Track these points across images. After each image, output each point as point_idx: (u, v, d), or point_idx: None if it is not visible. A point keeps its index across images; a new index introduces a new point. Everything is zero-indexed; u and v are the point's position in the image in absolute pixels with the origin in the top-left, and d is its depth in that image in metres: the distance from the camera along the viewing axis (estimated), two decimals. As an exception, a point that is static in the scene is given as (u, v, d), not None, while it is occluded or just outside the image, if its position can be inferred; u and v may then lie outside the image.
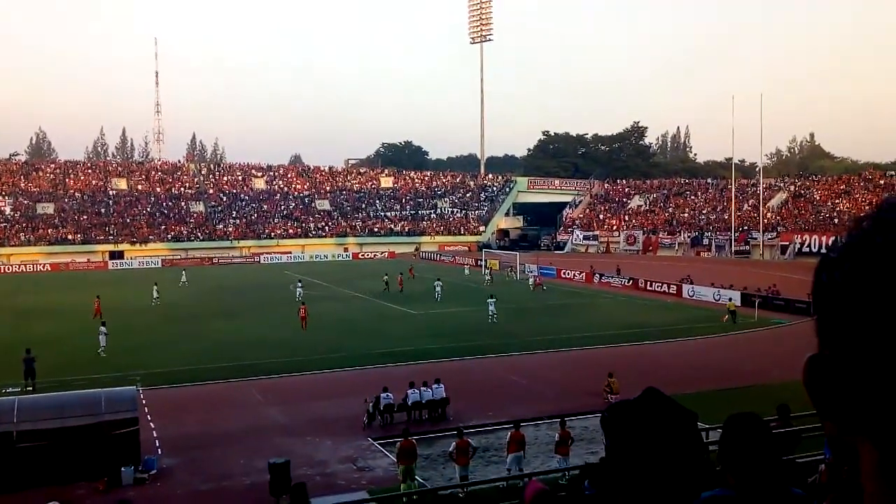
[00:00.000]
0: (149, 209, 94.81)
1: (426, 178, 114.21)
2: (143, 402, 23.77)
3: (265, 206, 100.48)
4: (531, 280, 56.16)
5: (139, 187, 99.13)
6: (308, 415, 23.46)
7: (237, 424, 22.71)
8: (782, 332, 37.48)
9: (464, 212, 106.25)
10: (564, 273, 62.63)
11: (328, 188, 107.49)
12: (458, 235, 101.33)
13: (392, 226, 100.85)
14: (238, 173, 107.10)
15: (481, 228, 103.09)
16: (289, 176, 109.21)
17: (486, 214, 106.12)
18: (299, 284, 49.84)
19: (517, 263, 64.84)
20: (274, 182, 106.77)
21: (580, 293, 52.93)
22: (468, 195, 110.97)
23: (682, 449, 1.69)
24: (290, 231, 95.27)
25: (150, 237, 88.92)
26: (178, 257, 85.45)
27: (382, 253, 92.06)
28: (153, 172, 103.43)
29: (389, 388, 22.37)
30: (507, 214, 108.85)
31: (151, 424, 22.31)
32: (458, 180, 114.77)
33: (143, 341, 35.21)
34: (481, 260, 70.30)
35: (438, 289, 49.19)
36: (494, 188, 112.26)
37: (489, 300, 40.21)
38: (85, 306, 49.14)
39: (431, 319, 40.54)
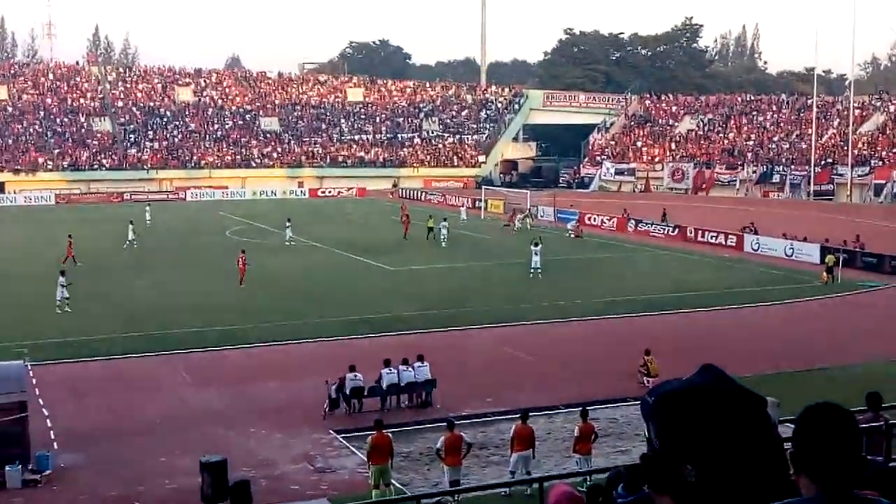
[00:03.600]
0: (37, 127, 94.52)
1: (408, 91, 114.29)
2: (34, 381, 23.96)
3: (192, 126, 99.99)
4: (570, 228, 58.14)
5: (24, 97, 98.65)
6: (251, 400, 23.88)
7: (157, 411, 23.07)
8: (872, 297, 38.25)
9: (458, 136, 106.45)
10: (590, 218, 63.12)
11: (277, 102, 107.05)
12: (449, 167, 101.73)
13: (362, 153, 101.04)
14: (156, 80, 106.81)
15: (481, 158, 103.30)
16: (224, 85, 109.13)
17: (487, 140, 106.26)
18: (288, 224, 52.22)
19: (527, 204, 65.36)
20: (204, 93, 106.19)
21: (610, 245, 54.12)
22: (464, 114, 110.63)
23: (753, 443, 1.73)
24: (227, 159, 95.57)
25: (40, 164, 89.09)
26: (78, 191, 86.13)
27: (349, 189, 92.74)
28: (43, 77, 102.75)
29: (358, 367, 22.79)
30: (515, 140, 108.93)
31: (45, 411, 22.49)
32: (450, 93, 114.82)
33: (32, 301, 35.52)
34: (480, 200, 71.31)
35: (444, 231, 51.63)
36: (499, 105, 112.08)
37: (533, 247, 41.53)
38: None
39: (413, 277, 41.76)
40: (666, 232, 57.11)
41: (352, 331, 30.74)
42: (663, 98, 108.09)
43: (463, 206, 70.10)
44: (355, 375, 22.44)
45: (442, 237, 51.55)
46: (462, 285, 39.40)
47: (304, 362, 27.08)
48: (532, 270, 41.06)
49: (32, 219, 68.26)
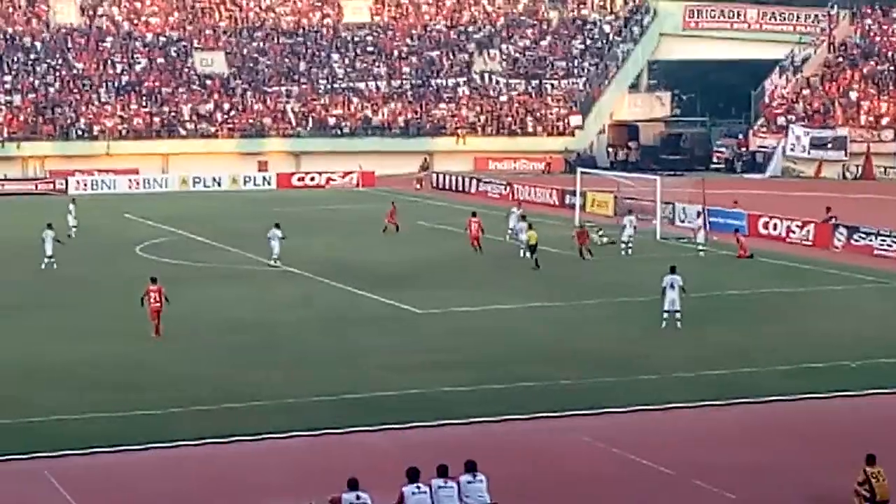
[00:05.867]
0: None
1: (449, 4, 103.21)
2: None
3: (79, 66, 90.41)
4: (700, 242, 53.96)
5: None
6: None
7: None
8: None
9: (535, 83, 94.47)
10: (768, 224, 57.63)
11: (223, 25, 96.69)
12: (517, 136, 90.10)
13: (369, 112, 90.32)
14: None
15: (574, 121, 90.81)
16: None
17: (585, 89, 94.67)
18: (277, 234, 50.26)
19: (657, 202, 57.06)
20: (99, 9, 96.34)
21: (802, 271, 50.27)
22: (545, 44, 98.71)
23: None
24: (137, 123, 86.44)
25: None
26: None
27: (347, 175, 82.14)
28: None
29: (364, 482, 19.83)
30: (634, 88, 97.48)
31: None
32: (521, 7, 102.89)
33: None
34: (573, 195, 63.05)
35: (522, 235, 50.44)
36: (607, 28, 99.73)
37: (669, 277, 38.29)
38: None
39: (456, 326, 38.77)
40: (902, 249, 53.39)
41: (351, 419, 27.56)
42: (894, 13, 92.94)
43: (516, 206, 59.51)
44: (358, 497, 19.20)
45: (520, 246, 50.06)
46: (540, 339, 36.59)
47: (268, 472, 23.98)
48: (666, 315, 37.72)
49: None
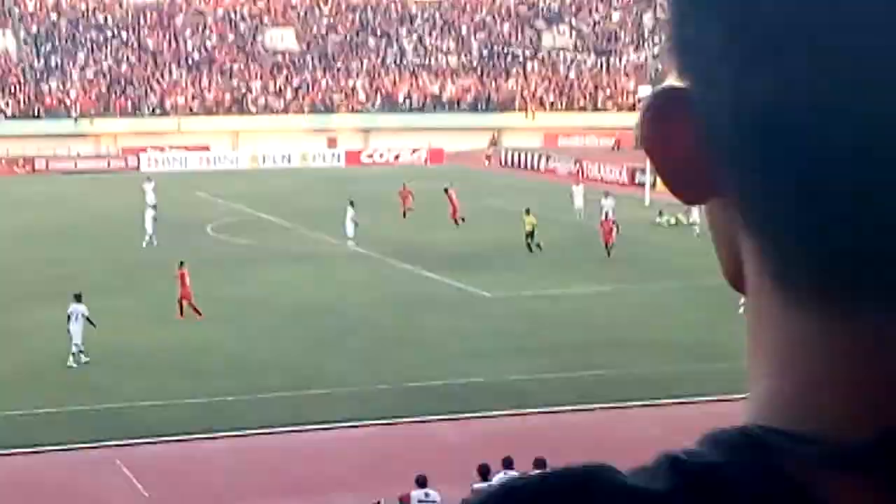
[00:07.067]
0: None
1: None
2: None
3: (150, 43, 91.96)
4: None
5: None
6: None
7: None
8: None
9: (604, 57, 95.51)
10: None
11: (294, 2, 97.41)
12: (587, 111, 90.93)
13: (437, 89, 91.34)
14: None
15: (642, 92, 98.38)
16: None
17: (656, 63, 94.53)
18: (351, 213, 50.43)
19: None
20: None
21: None
22: (616, 17, 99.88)
23: None
24: (208, 99, 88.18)
25: None
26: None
27: (415, 151, 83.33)
28: None
29: (433, 479, 20.90)
30: None
31: None
32: None
33: None
34: (643, 173, 62.87)
35: (609, 210, 51.30)
36: None
37: None
38: None
39: (529, 311, 38.61)
40: None
41: (421, 408, 28.19)
42: None
43: (578, 186, 57.84)
44: (427, 494, 20.38)
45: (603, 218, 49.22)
46: (612, 325, 36.51)
47: (337, 462, 24.66)
48: (743, 300, 32.84)
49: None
